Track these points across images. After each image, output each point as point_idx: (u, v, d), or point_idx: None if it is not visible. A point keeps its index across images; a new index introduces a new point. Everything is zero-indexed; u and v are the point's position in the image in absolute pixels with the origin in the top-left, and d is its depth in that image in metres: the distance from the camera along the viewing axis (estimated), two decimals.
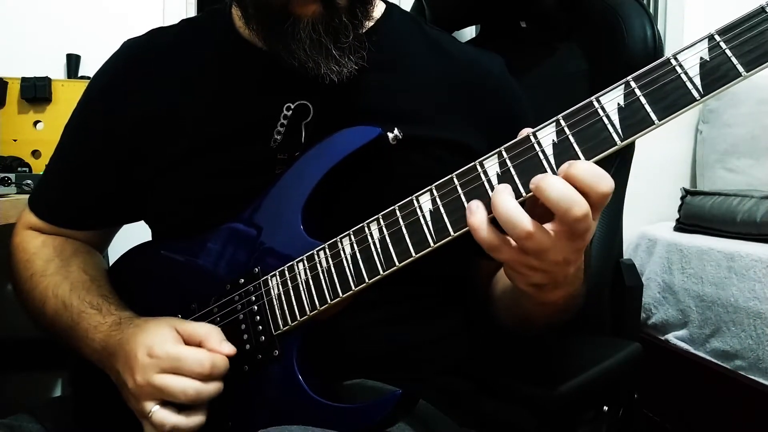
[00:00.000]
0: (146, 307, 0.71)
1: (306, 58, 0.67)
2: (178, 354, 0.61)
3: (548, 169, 0.52)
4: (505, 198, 0.51)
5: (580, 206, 0.49)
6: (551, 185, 0.49)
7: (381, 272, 0.59)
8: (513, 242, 0.52)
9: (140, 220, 0.84)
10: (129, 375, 0.63)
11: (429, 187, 0.57)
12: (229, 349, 0.63)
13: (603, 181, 0.49)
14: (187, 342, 0.63)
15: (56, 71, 1.61)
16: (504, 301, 0.75)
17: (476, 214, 0.52)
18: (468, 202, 0.55)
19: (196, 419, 0.62)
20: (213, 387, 0.62)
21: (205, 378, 0.61)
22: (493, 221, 0.52)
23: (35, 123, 1.45)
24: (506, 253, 0.53)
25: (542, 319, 0.69)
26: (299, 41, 0.66)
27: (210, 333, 0.64)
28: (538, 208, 0.52)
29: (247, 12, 0.70)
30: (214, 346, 0.63)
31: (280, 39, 0.68)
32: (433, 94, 0.75)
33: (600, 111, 0.51)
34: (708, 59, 0.48)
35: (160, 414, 0.61)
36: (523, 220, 0.50)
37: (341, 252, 0.61)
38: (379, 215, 0.60)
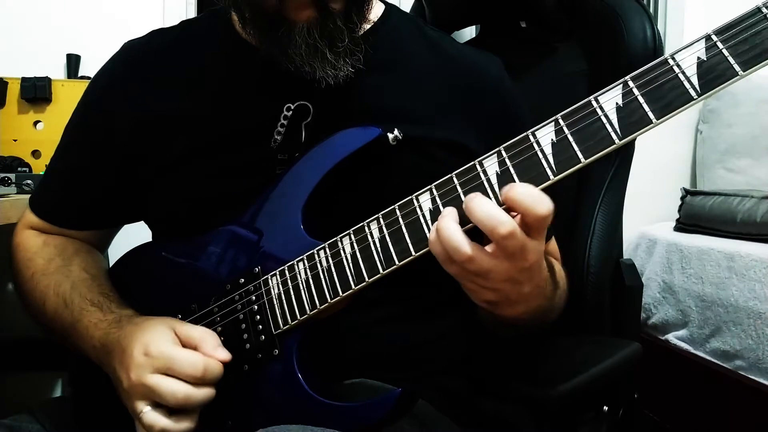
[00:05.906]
0: (146, 307, 0.71)
1: (302, 63, 0.67)
2: (172, 355, 0.61)
3: (547, 169, 0.52)
4: (448, 223, 0.52)
5: (505, 225, 0.50)
6: (477, 206, 0.51)
7: (381, 271, 0.59)
8: None
9: (140, 220, 0.84)
10: (124, 372, 0.63)
11: (429, 187, 0.58)
12: (224, 355, 0.63)
13: (539, 204, 0.50)
14: (184, 344, 0.63)
15: (56, 71, 1.62)
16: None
17: (432, 231, 0.54)
18: None
19: (185, 425, 0.61)
20: (203, 393, 0.61)
21: (197, 381, 0.60)
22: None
23: (35, 123, 1.46)
24: (453, 268, 0.54)
25: (510, 330, 0.71)
26: (295, 46, 0.67)
27: (205, 337, 0.63)
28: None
29: (244, 17, 0.71)
30: (208, 351, 0.62)
31: (275, 44, 0.68)
32: (432, 95, 0.75)
33: (598, 110, 0.51)
34: (705, 59, 0.49)
35: (150, 416, 0.61)
36: (464, 245, 0.51)
37: (341, 251, 0.62)
38: (379, 215, 0.60)
